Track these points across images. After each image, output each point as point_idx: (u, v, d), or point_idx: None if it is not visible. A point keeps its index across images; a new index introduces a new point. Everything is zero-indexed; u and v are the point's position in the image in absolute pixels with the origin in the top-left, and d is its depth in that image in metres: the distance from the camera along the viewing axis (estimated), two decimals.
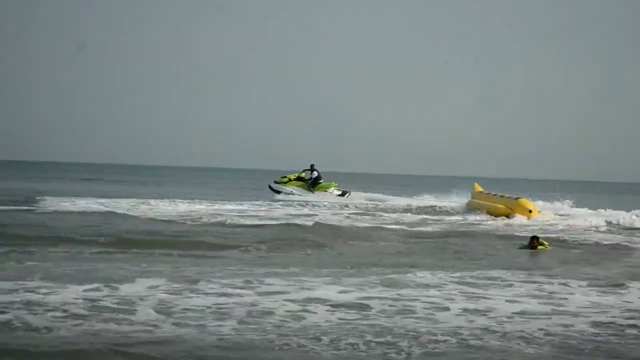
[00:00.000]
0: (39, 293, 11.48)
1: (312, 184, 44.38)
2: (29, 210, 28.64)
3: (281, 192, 43.90)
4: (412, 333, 9.80)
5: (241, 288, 12.63)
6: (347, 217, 32.12)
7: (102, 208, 31.58)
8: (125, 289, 12.11)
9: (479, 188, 40.99)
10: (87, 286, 12.18)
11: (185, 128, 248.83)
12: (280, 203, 39.57)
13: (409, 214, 35.53)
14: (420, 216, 34.65)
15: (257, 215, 30.55)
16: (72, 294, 11.56)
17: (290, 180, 44.57)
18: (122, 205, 33.71)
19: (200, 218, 28.45)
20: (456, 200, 42.53)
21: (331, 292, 12.48)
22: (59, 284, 12.26)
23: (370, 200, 44.09)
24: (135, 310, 10.65)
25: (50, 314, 10.21)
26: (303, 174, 44.70)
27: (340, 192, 44.89)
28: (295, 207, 37.76)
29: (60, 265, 14.80)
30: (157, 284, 12.68)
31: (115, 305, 10.89)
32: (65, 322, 9.78)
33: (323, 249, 20.01)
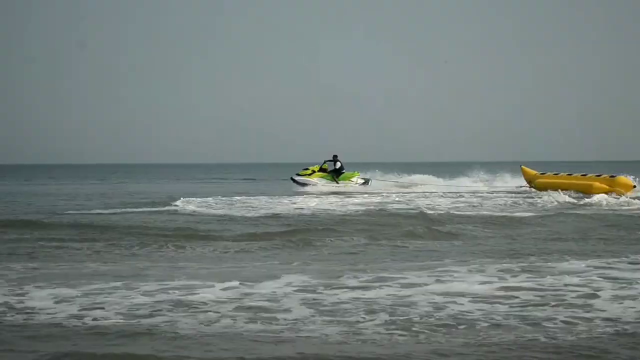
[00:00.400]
0: (185, 293, 11.63)
1: (336, 174, 44.47)
2: (170, 211, 29.18)
3: (308, 184, 43.86)
4: (565, 322, 9.66)
5: (381, 281, 12.62)
6: (453, 205, 31.67)
7: (227, 207, 31.85)
8: (270, 285, 12.23)
9: (531, 170, 41.55)
10: (230, 283, 12.34)
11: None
12: (367, 195, 39.15)
13: (496, 199, 35.08)
14: (505, 199, 34.27)
15: (366, 208, 30.02)
16: (218, 293, 11.68)
17: (313, 172, 44.61)
18: (243, 204, 33.77)
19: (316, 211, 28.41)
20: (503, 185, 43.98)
21: (472, 283, 12.38)
22: (205, 283, 12.45)
23: (408, 187, 45.11)
24: (284, 307, 10.68)
25: (201, 315, 10.27)
26: (325, 165, 44.74)
27: (363, 181, 45.16)
28: (383, 196, 37.72)
29: (207, 266, 15.01)
30: (299, 280, 12.76)
31: (262, 304, 10.93)
32: (216, 324, 9.82)
33: (445, 237, 19.99)
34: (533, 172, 41.30)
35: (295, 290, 11.87)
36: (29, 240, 19.29)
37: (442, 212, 27.16)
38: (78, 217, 26.40)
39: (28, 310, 10.54)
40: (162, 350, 8.55)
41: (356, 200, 34.57)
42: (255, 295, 11.49)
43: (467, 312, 10.31)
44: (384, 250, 17.44)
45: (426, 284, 12.29)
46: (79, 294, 11.58)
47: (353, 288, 12.03)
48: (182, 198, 35.61)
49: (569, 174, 39.13)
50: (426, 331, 9.33)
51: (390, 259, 15.90)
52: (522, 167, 42.69)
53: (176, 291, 11.79)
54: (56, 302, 11.04)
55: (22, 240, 19.29)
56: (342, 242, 19.00)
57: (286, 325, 9.72)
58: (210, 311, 10.46)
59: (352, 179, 44.73)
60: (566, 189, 35.44)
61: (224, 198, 37.11)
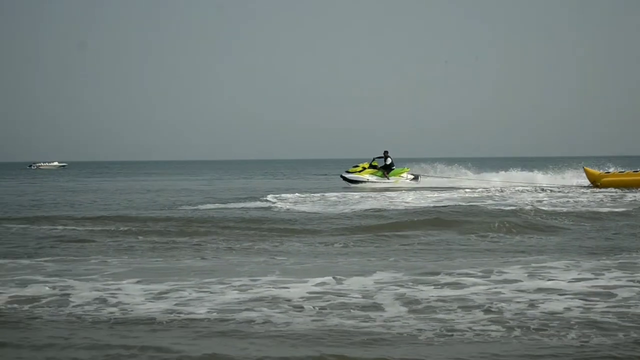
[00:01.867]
0: (278, 288, 11.64)
1: (386, 170, 44.48)
2: (264, 207, 29.33)
3: (360, 181, 44.06)
4: None
5: (475, 277, 12.46)
6: (549, 200, 31.18)
7: (321, 202, 31.91)
8: (363, 281, 12.17)
9: (594, 171, 41.36)
10: (323, 279, 12.31)
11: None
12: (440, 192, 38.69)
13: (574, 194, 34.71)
14: (601, 195, 33.67)
15: (460, 203, 29.58)
16: (310, 288, 11.65)
17: (364, 168, 44.77)
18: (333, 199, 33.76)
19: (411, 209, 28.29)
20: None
21: (568, 279, 12.16)
22: (298, 278, 12.47)
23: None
24: (376, 303, 10.59)
25: (292, 312, 10.26)
26: (375, 162, 44.77)
27: (413, 177, 45.15)
28: (478, 192, 37.31)
29: (301, 261, 15.06)
30: (392, 276, 12.66)
31: (354, 300, 10.86)
32: (307, 320, 9.77)
33: (540, 233, 19.74)
34: (597, 172, 41.24)
35: (388, 286, 11.80)
36: (127, 235, 19.63)
37: (537, 207, 26.73)
38: (175, 212, 26.76)
39: (121, 306, 10.67)
40: (248, 347, 8.58)
41: (453, 195, 34.37)
42: (347, 291, 11.44)
43: (562, 309, 10.10)
44: (478, 246, 17.28)
45: (521, 280, 12.12)
46: (173, 289, 11.67)
47: (446, 284, 11.92)
48: (279, 194, 35.96)
49: (635, 171, 39.69)
50: (521, 329, 9.17)
51: (485, 254, 15.73)
52: (585, 167, 42.33)
53: (269, 287, 11.82)
54: (149, 298, 11.14)
55: (120, 235, 19.65)
56: (435, 237, 18.89)
57: (378, 322, 9.63)
58: (301, 307, 10.46)
59: (402, 175, 44.96)
60: (637, 186, 35.59)
61: (317, 194, 37.21)
